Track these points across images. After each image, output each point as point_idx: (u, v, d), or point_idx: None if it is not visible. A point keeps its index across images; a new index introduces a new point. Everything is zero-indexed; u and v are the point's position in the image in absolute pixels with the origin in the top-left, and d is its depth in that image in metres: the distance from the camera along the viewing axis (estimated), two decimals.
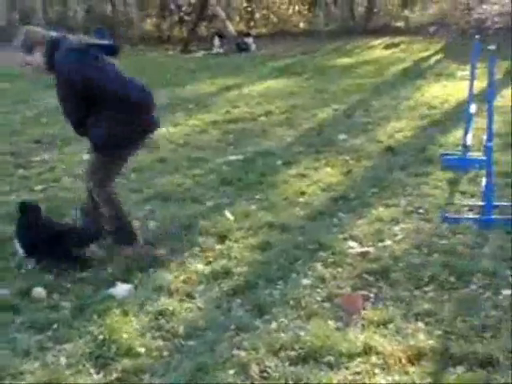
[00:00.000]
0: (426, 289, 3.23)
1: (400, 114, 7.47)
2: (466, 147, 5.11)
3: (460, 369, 2.52)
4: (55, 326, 3.00)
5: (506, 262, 3.43)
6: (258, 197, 4.79)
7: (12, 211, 4.57)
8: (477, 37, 4.93)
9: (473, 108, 5.10)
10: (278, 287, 3.33)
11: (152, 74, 11.19)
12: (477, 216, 4.10)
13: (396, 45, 14.36)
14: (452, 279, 3.28)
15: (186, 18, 17.34)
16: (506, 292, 3.12)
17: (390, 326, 2.88)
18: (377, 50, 14.02)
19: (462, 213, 4.23)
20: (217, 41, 15.43)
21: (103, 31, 13.69)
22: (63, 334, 2.92)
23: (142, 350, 2.77)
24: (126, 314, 3.06)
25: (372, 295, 3.20)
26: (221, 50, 15.15)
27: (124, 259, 3.68)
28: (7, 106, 8.84)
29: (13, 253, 3.78)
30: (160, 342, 2.84)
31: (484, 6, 13.72)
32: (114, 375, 2.61)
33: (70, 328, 2.97)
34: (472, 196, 4.52)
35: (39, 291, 3.33)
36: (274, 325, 2.94)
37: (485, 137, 4.48)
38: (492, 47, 4.27)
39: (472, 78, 5.26)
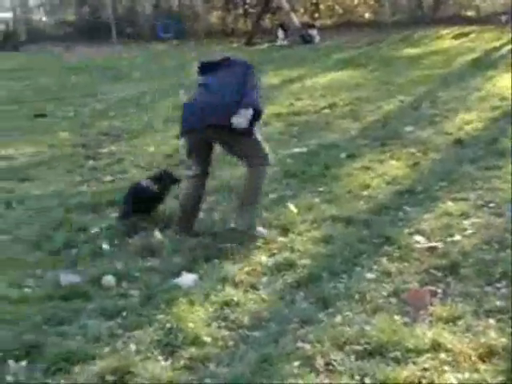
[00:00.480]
0: (498, 285, 3.12)
1: (469, 105, 7.23)
2: None
3: None
4: (124, 313, 3.08)
5: None
6: (321, 189, 4.76)
7: (85, 201, 4.74)
8: None
9: None
10: (342, 281, 3.30)
11: None
12: None
13: (466, 34, 13.92)
14: None
15: (251, 10, 17.41)
16: None
17: (460, 322, 2.80)
18: (445, 39, 13.63)
19: None
20: (281, 33, 15.40)
21: None
22: (132, 322, 3.00)
23: (208, 339, 2.81)
24: (192, 303, 3.12)
25: (440, 291, 3.12)
26: (285, 42, 15.12)
27: (189, 249, 3.75)
28: (77, 99, 9.15)
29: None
30: (225, 332, 2.87)
31: None
32: (182, 362, 2.66)
33: (138, 316, 3.05)
34: None
35: (109, 279, 3.43)
36: (338, 318, 2.92)
37: None
38: None
39: None
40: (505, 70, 9.23)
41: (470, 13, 16.61)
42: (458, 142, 5.79)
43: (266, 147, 4.10)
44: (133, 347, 2.79)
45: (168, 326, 2.92)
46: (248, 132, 3.95)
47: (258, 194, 4.07)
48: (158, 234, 3.96)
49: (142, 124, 7.36)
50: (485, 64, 10.01)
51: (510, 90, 7.71)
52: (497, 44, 12.34)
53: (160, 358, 2.71)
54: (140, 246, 3.84)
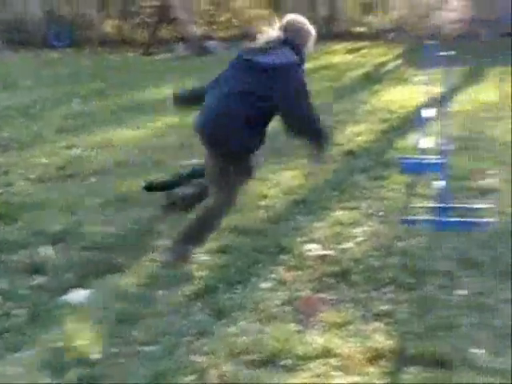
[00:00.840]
0: (385, 290, 3.26)
1: (359, 118, 7.55)
2: (422, 151, 5.19)
3: (416, 368, 2.54)
4: (8, 334, 2.91)
5: (460, 263, 3.49)
6: None
7: None
8: (432, 42, 5.02)
9: (429, 112, 5.19)
10: (238, 291, 3.31)
11: (114, 77, 11.07)
12: (434, 218, 4.16)
13: (357, 50, 14.52)
14: (410, 280, 3.32)
15: (148, 20, 17.22)
16: (461, 292, 3.17)
17: (350, 327, 2.89)
18: (338, 54, 14.14)
19: (419, 215, 4.29)
20: (179, 43, 15.36)
21: None
22: (16, 342, 2.83)
23: (99, 356, 2.71)
24: (82, 320, 3.00)
25: (332, 297, 3.20)
26: (183, 53, 15.08)
27: (80, 265, 3.62)
28: None
29: None
30: (118, 349, 2.78)
31: (442, 13, 13.98)
32: None
33: (23, 336, 2.89)
34: (429, 198, 4.58)
35: None
36: (233, 329, 2.93)
37: (442, 140, 4.57)
38: (448, 53, 4.37)
39: (429, 82, 5.35)
40: (392, 85, 9.73)
41: (361, 29, 17.35)
42: (350, 153, 6.01)
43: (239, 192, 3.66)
44: (18, 369, 2.64)
45: (56, 345, 2.79)
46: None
47: (205, 230, 3.64)
48: (46, 249, 3.79)
49: (32, 134, 7.04)
50: (374, 78, 10.50)
51: (395, 103, 8.14)
52: (384, 59, 12.99)
53: (48, 379, 2.58)
54: (27, 263, 3.65)
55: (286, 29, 3.60)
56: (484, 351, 2.61)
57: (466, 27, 13.33)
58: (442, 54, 4.47)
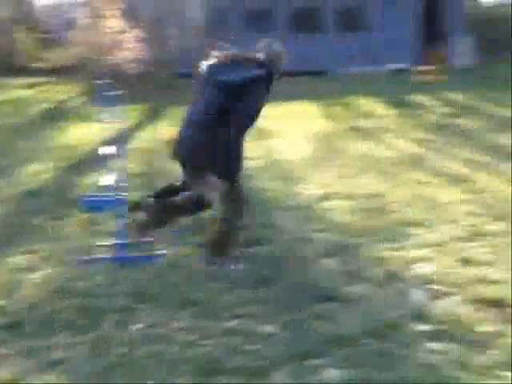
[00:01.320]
0: (62, 335, 3.14)
1: (41, 156, 7.31)
2: (103, 188, 5.22)
3: None
4: None
5: (137, 297, 3.56)
6: None
7: None
8: (104, 82, 5.11)
9: (108, 149, 5.26)
10: None
11: None
12: (112, 255, 4.19)
13: (38, 85, 14.10)
14: (86, 321, 3.26)
15: None
16: (137, 326, 3.23)
17: (20, 382, 2.71)
18: (17, 89, 13.53)
19: (99, 253, 4.27)
20: None
21: None
22: None
23: None
24: None
25: (5, 352, 2.97)
26: None
27: None
28: None
29: None
30: None
31: (119, 52, 14.35)
32: None
33: None
34: (108, 236, 4.61)
35: None
36: None
37: (117, 177, 4.67)
38: (116, 92, 4.52)
39: (112, 120, 5.43)
40: (75, 122, 9.68)
41: (41, 64, 16.83)
42: (30, 193, 5.76)
43: None
44: None
45: None
46: None
47: None
48: None
49: None
50: (56, 115, 10.32)
51: (79, 141, 8.10)
52: (68, 96, 12.87)
53: None
54: None
55: (266, 53, 3.95)
56: (159, 382, 2.69)
57: (142, 67, 13.91)
58: (110, 93, 4.60)
